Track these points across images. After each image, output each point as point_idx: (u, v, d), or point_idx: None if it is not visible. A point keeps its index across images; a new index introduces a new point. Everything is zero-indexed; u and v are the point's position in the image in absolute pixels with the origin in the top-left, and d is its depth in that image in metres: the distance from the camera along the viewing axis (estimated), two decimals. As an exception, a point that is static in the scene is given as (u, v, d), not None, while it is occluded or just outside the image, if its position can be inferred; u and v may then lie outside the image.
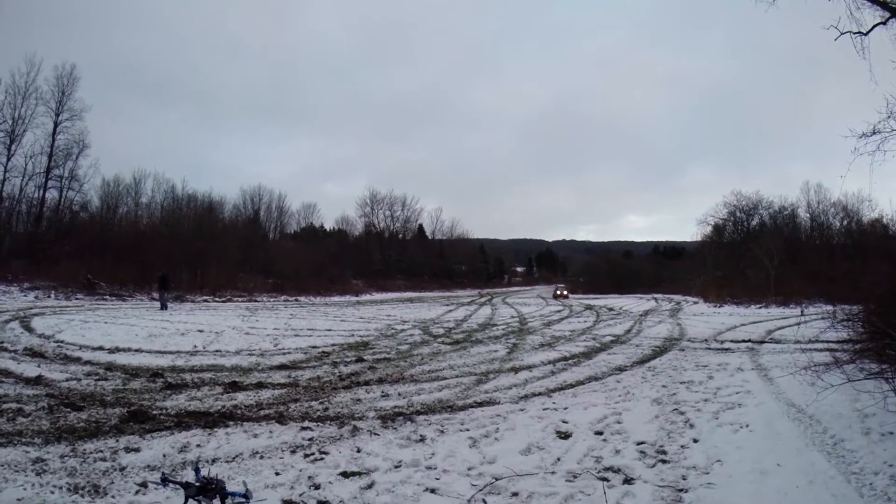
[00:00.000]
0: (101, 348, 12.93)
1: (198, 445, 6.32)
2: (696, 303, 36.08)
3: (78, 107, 40.57)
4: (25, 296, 27.75)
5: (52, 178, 40.42)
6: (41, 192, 40.43)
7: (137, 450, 6.12)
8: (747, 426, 7.02)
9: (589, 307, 31.84)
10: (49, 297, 27.94)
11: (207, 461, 5.73)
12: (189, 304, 29.81)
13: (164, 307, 25.33)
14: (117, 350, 12.81)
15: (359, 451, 6.12)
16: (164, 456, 5.93)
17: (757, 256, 38.70)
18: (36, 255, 35.12)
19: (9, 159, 38.31)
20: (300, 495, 4.94)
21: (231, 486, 4.68)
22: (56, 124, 39.96)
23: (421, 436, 6.78)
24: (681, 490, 5.04)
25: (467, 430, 7.09)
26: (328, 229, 76.40)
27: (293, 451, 6.16)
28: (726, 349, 14.24)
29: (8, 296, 27.07)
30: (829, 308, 16.72)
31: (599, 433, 6.93)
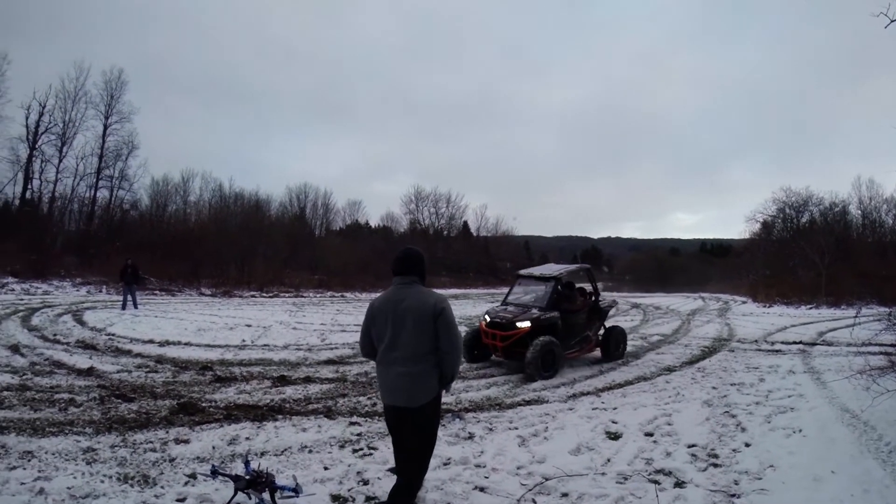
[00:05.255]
0: (151, 341, 13.18)
1: (247, 438, 6.37)
2: (744, 302, 35.09)
3: (126, 109, 42.11)
4: (77, 290, 28.45)
5: (103, 178, 41.97)
6: (92, 191, 41.95)
7: (187, 441, 6.20)
8: (800, 431, 6.81)
9: (635, 305, 31.36)
10: (100, 291, 28.59)
11: (256, 454, 5.78)
12: (237, 300, 30.21)
13: (125, 306, 20.61)
14: (167, 343, 13.03)
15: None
16: (214, 448, 5.99)
17: (807, 255, 37.72)
18: (87, 251, 36.08)
19: (60, 161, 39.89)
20: (349, 490, 4.94)
21: (280, 480, 4.74)
22: (105, 127, 41.49)
23: (469, 433, 6.75)
24: (733, 495, 4.91)
25: (516, 428, 7.03)
26: (373, 226, 76.70)
27: (342, 446, 6.19)
28: (777, 351, 13.88)
29: (61, 290, 27.80)
30: (884, 309, 16.23)
31: (650, 434, 6.80)
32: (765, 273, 45.24)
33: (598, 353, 12.54)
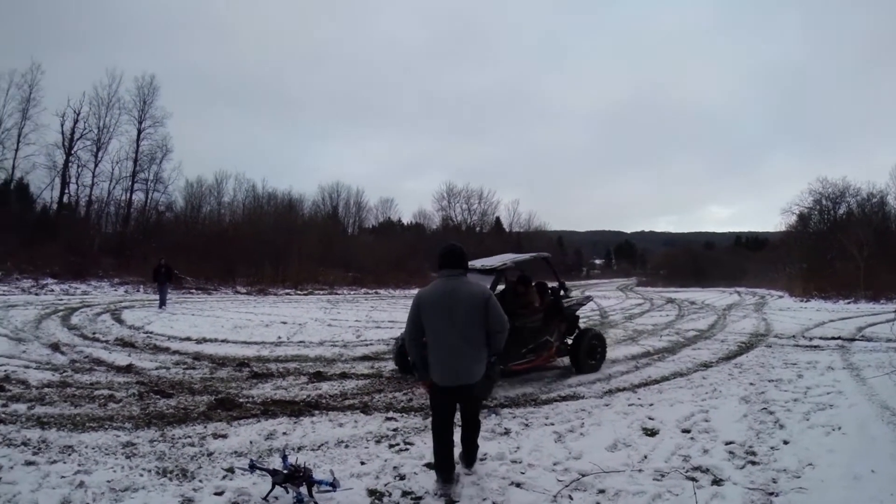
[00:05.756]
0: (188, 339, 13.41)
1: (284, 433, 6.43)
2: (780, 297, 34.50)
3: (159, 114, 43.87)
4: (115, 290, 29.15)
5: (138, 182, 43.52)
6: (128, 194, 43.49)
7: (225, 436, 6.27)
8: (839, 428, 6.66)
9: (670, 300, 31.06)
10: (138, 291, 29.10)
11: (294, 449, 5.82)
12: (272, 297, 30.65)
13: (163, 304, 21.08)
14: (204, 340, 13.26)
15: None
16: (251, 443, 6.05)
17: (845, 247, 37.00)
18: (124, 252, 37.01)
19: (96, 165, 41.41)
20: (385, 485, 4.95)
21: (318, 474, 4.78)
22: (139, 131, 43.11)
23: (505, 429, 6.72)
24: (771, 494, 4.81)
25: (552, 424, 6.99)
26: (405, 223, 76.94)
27: (378, 441, 6.20)
28: (815, 346, 13.62)
29: (99, 290, 28.48)
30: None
31: (687, 431, 6.70)
32: (801, 267, 44.50)
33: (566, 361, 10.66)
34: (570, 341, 10.59)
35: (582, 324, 11.25)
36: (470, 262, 10.16)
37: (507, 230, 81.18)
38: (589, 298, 12.93)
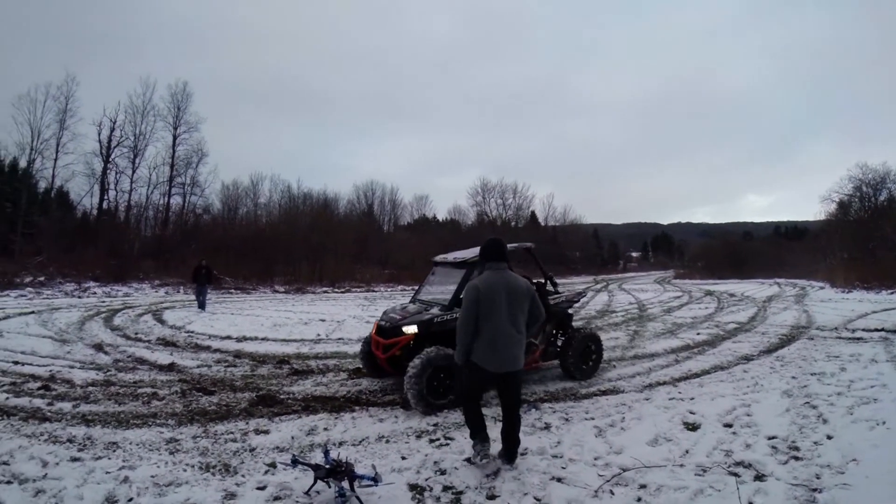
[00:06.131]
0: (228, 337, 13.61)
1: (325, 429, 6.52)
2: (821, 288, 33.81)
3: (193, 119, 45.66)
4: (156, 292, 29.73)
5: (175, 186, 45.00)
6: (166, 198, 44.67)
7: (266, 432, 6.38)
8: (884, 423, 6.50)
9: (709, 293, 30.68)
10: (178, 292, 29.60)
11: (335, 444, 5.91)
12: (310, 296, 30.98)
13: (203, 306, 20.87)
14: (244, 339, 13.44)
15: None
16: (293, 438, 6.15)
17: (887, 235, 36.11)
18: (164, 255, 37.73)
19: (134, 171, 42.97)
20: (426, 480, 4.99)
21: (359, 469, 4.83)
22: (175, 137, 44.65)
23: (546, 424, 6.72)
24: (815, 490, 4.73)
25: (592, 418, 6.96)
26: (440, 220, 77.17)
27: (418, 436, 6.25)
28: (858, 339, 13.32)
29: (140, 292, 29.06)
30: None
31: (728, 425, 6.62)
32: (842, 256, 43.60)
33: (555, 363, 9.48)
34: (560, 343, 9.49)
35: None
36: (442, 256, 9.63)
37: (543, 224, 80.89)
38: (582, 294, 11.28)
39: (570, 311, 9.93)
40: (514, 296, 5.23)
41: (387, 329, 8.21)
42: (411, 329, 7.92)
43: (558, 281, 10.10)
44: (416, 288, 9.97)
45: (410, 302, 9.30)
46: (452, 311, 7.93)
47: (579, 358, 9.25)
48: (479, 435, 5.40)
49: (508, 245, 6.81)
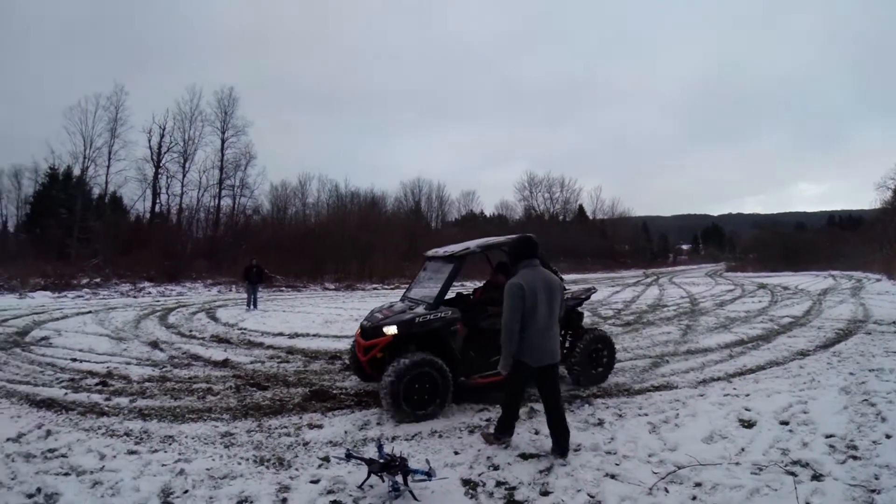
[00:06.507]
0: (281, 334, 13.83)
1: (377, 423, 6.56)
2: (878, 280, 32.89)
3: (241, 123, 47.29)
4: (209, 291, 30.42)
5: (225, 188, 46.34)
6: (216, 200, 46.04)
7: (320, 426, 6.46)
8: (945, 422, 6.33)
9: (762, 286, 30.06)
10: (230, 291, 30.18)
11: (388, 439, 5.94)
12: (360, 293, 31.34)
13: (253, 305, 20.85)
14: (296, 335, 13.65)
15: (536, 433, 6.10)
16: (346, 433, 6.22)
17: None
18: (216, 255, 38.63)
19: (184, 175, 44.55)
20: (479, 475, 4.99)
21: (413, 464, 4.86)
22: (223, 141, 46.03)
23: (599, 419, 6.67)
24: (873, 491, 4.60)
25: (646, 414, 6.88)
26: (488, 215, 77.21)
27: (471, 432, 6.25)
28: (919, 333, 12.95)
29: (193, 291, 29.75)
30: None
31: (785, 423, 6.47)
32: (899, 246, 42.23)
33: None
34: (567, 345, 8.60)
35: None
36: (433, 250, 8.75)
37: (591, 217, 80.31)
38: (592, 290, 9.61)
39: (579, 308, 8.94)
40: (551, 291, 5.43)
41: (368, 330, 7.52)
42: (391, 329, 7.09)
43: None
44: (407, 286, 9.13)
45: (400, 300, 8.52)
46: (438, 310, 7.25)
47: (587, 362, 8.37)
48: (509, 430, 5.77)
49: (501, 238, 6.81)
